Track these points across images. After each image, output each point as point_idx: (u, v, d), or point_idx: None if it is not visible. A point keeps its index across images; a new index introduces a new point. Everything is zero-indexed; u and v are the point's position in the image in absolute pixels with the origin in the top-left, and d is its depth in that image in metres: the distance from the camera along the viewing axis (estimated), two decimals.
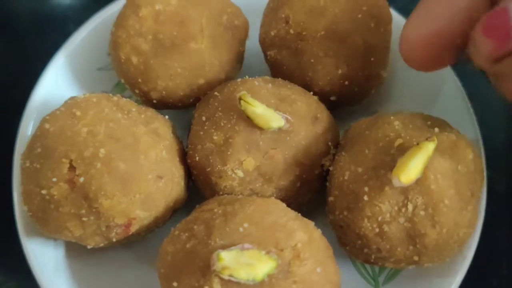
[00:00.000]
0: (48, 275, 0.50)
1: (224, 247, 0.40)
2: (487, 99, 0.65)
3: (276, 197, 0.48)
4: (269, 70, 0.58)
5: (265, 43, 0.55)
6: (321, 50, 0.51)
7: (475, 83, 0.56)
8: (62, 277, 0.52)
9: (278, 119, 0.46)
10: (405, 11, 0.57)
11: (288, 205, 0.46)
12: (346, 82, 0.52)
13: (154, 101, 0.53)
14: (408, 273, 0.51)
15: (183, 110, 0.57)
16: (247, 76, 0.52)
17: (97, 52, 0.61)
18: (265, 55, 0.56)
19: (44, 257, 0.51)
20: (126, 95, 0.61)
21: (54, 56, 0.59)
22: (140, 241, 0.53)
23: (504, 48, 0.37)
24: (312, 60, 0.52)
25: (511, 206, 0.61)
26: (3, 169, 0.57)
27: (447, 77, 0.58)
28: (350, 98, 0.55)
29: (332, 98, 0.54)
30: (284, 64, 0.54)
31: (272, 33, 0.53)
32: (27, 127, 0.55)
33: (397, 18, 0.58)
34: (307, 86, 0.53)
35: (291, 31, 0.52)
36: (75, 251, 0.52)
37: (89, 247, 0.48)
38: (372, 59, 0.52)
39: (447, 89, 0.58)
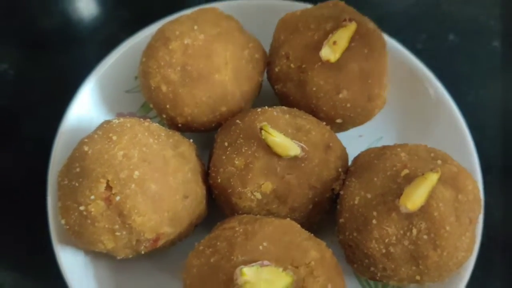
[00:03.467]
0: (77, 281, 0.53)
1: (245, 263, 0.43)
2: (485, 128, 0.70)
3: (290, 218, 0.51)
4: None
5: (272, 79, 0.60)
6: (320, 79, 0.55)
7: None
8: (90, 283, 0.55)
9: (295, 148, 0.50)
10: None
11: (301, 224, 0.49)
12: (349, 105, 0.56)
13: (179, 125, 0.57)
14: None
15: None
16: (266, 107, 0.56)
17: (125, 76, 0.65)
18: (274, 89, 0.61)
19: (74, 265, 0.54)
20: (151, 115, 0.66)
21: (86, 79, 0.63)
22: (161, 252, 0.56)
23: None
24: (314, 89, 0.56)
25: (505, 230, 0.64)
26: (36, 182, 0.61)
27: (447, 105, 0.63)
28: (356, 119, 0.58)
29: (338, 121, 0.58)
30: (290, 95, 0.58)
31: (276, 69, 0.58)
32: (62, 142, 0.59)
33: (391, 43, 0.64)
34: (313, 112, 0.57)
35: (292, 66, 0.57)
36: (103, 259, 0.56)
37: (118, 258, 0.51)
38: (369, 81, 0.56)
39: (446, 118, 0.62)
